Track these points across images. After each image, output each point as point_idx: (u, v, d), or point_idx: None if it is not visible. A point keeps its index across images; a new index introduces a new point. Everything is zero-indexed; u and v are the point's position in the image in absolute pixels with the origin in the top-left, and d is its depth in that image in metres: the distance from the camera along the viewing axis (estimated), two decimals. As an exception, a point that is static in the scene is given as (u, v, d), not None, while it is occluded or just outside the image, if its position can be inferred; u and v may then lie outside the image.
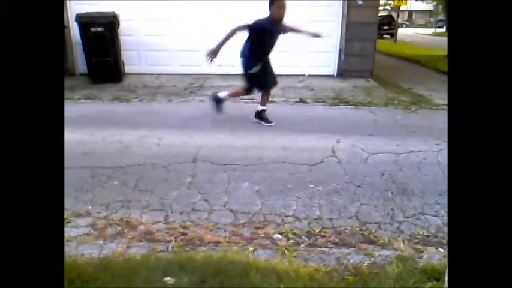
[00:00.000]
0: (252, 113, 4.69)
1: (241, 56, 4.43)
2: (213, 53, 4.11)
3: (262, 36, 4.23)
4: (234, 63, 7.53)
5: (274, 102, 5.67)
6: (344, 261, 2.14)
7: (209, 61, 4.08)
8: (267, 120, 4.59)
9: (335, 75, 7.75)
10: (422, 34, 29.82)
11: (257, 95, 4.89)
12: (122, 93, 6.08)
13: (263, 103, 4.67)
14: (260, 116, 4.63)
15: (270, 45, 4.40)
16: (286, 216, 2.62)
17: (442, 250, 2.28)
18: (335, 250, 2.26)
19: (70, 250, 2.16)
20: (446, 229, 2.45)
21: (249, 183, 3.07)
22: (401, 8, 22.74)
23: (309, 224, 2.53)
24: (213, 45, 4.12)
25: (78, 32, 6.52)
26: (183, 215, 2.60)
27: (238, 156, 3.60)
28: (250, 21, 4.22)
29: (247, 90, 4.60)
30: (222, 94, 4.73)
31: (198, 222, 2.52)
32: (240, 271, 1.96)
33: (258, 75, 4.38)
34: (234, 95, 4.77)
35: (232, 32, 4.13)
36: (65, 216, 2.49)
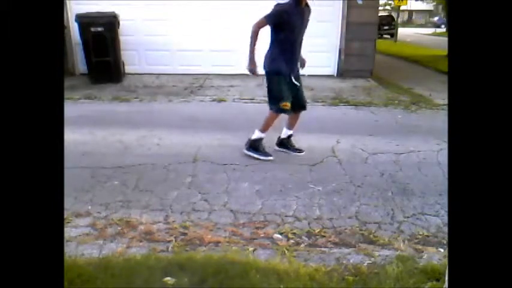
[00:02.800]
0: (253, 113, 4.68)
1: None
2: (252, 66, 3.47)
3: (283, 25, 3.33)
4: (234, 63, 7.62)
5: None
6: (344, 261, 2.13)
7: (253, 74, 3.51)
8: (260, 152, 3.61)
9: (335, 75, 7.76)
10: (422, 34, 29.81)
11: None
12: (122, 93, 6.09)
13: (263, 128, 3.60)
14: (251, 145, 3.63)
15: (295, 39, 3.40)
16: (286, 216, 2.62)
17: (442, 250, 2.28)
18: (335, 250, 2.26)
19: (70, 250, 2.16)
20: (446, 229, 2.45)
21: (249, 183, 3.07)
22: (401, 8, 22.74)
23: (309, 224, 2.53)
24: (247, 60, 3.49)
25: (78, 32, 6.52)
26: (183, 215, 2.60)
27: (238, 156, 3.60)
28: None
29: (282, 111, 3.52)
30: (255, 135, 3.62)
31: (198, 222, 2.52)
32: (240, 271, 1.96)
33: (273, 84, 3.49)
34: (268, 126, 3.61)
35: (254, 33, 3.36)
36: (65, 216, 2.49)
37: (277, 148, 3.79)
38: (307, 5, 3.42)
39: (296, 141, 3.99)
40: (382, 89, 6.79)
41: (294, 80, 3.49)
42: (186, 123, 4.67)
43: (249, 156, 3.60)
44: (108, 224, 2.48)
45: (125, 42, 7.05)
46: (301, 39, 3.50)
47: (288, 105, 3.45)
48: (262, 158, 3.58)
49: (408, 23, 49.16)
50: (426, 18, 50.76)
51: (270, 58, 3.48)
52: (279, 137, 3.79)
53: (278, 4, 3.39)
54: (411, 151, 3.81)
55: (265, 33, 3.47)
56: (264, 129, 3.61)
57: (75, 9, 6.88)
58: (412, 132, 4.45)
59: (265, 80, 3.60)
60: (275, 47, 3.46)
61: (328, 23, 7.43)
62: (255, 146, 3.63)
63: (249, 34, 3.40)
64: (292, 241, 2.34)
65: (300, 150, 3.75)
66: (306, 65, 3.71)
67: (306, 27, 3.47)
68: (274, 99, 3.50)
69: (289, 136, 3.77)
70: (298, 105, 3.59)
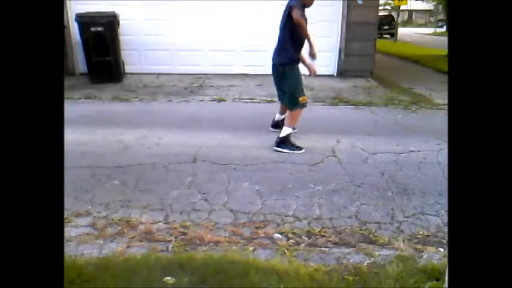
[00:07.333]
0: (253, 113, 4.69)
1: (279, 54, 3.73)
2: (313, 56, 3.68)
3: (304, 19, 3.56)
4: (234, 63, 7.62)
5: (274, 102, 5.68)
6: (344, 261, 2.14)
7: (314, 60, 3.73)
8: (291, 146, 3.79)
9: (335, 75, 7.76)
10: (422, 34, 29.81)
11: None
12: (121, 93, 6.09)
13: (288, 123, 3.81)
14: (277, 125, 4.01)
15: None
16: (286, 216, 2.62)
17: (442, 250, 2.28)
18: (335, 250, 2.26)
19: (70, 250, 2.16)
20: (446, 229, 2.45)
21: (249, 183, 3.07)
22: (401, 7, 22.74)
23: (309, 223, 2.53)
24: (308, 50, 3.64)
25: (78, 32, 6.52)
26: (183, 215, 2.60)
27: (238, 156, 3.60)
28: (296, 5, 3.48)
29: (303, 106, 3.78)
30: (284, 132, 3.75)
31: (198, 222, 2.52)
32: (240, 271, 1.97)
33: (295, 79, 3.74)
34: (295, 121, 3.83)
35: (305, 28, 3.50)
36: (65, 216, 2.49)
37: (271, 129, 4.22)
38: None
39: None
40: (382, 89, 6.79)
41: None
42: (186, 123, 4.67)
43: (280, 151, 3.74)
44: (108, 224, 2.48)
45: (125, 42, 7.05)
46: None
47: (305, 98, 3.77)
48: (294, 151, 3.72)
49: (408, 22, 49.19)
50: (426, 18, 50.76)
51: (290, 53, 3.68)
52: (273, 119, 4.26)
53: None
54: (411, 151, 3.81)
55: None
56: (290, 125, 3.80)
57: (75, 8, 6.88)
58: (412, 132, 4.45)
59: (277, 76, 3.86)
60: (294, 42, 3.65)
61: (328, 23, 7.43)
62: (284, 141, 3.77)
63: (302, 27, 3.50)
64: (292, 241, 2.35)
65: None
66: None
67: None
68: (292, 95, 3.75)
69: (283, 120, 4.05)
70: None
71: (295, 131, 3.91)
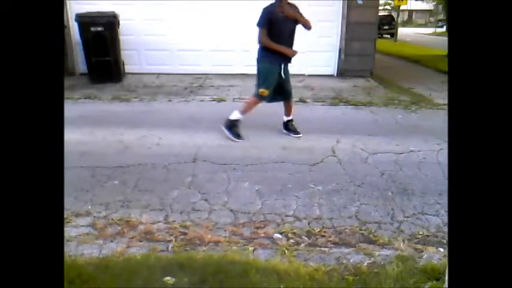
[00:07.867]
0: (253, 113, 4.68)
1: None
2: (290, 52, 3.90)
3: (269, 26, 3.74)
4: (233, 62, 7.62)
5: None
6: (344, 261, 2.14)
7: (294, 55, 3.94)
8: (294, 131, 4.21)
9: (335, 75, 7.75)
10: (423, 34, 29.81)
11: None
12: (121, 93, 6.08)
13: (242, 110, 4.10)
14: (228, 124, 4.09)
15: (281, 37, 3.79)
16: (286, 216, 2.62)
17: (442, 250, 2.28)
18: (335, 250, 2.26)
19: (70, 250, 2.16)
20: (446, 229, 2.45)
21: (249, 183, 3.07)
22: (401, 7, 22.76)
23: (309, 223, 2.54)
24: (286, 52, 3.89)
25: (78, 32, 6.51)
26: (183, 215, 2.60)
27: (238, 156, 3.60)
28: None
29: (260, 98, 3.98)
30: (234, 116, 4.01)
31: (198, 222, 2.52)
32: (240, 271, 1.97)
33: (259, 73, 3.96)
34: (248, 109, 4.06)
35: (267, 42, 3.80)
36: (65, 216, 2.49)
37: (284, 131, 4.27)
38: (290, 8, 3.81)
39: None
40: (382, 89, 6.79)
41: (282, 72, 3.95)
42: (186, 123, 4.67)
43: (224, 133, 4.00)
44: (108, 224, 2.48)
45: (125, 42, 7.05)
46: (288, 37, 3.88)
47: (265, 92, 3.91)
48: (233, 138, 3.98)
49: (408, 22, 49.21)
50: (426, 18, 50.78)
51: (261, 51, 3.92)
52: (283, 122, 4.30)
53: (264, 8, 3.82)
54: (411, 151, 3.81)
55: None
56: (242, 112, 4.04)
57: (75, 8, 6.87)
58: (412, 132, 4.45)
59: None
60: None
61: (328, 23, 7.43)
62: (231, 125, 4.03)
63: (265, 46, 3.84)
64: (292, 241, 2.35)
65: (297, 133, 4.19)
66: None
67: (292, 27, 3.86)
68: (256, 86, 4.00)
69: (288, 121, 4.26)
70: (285, 94, 4.12)
71: (241, 118, 4.06)
